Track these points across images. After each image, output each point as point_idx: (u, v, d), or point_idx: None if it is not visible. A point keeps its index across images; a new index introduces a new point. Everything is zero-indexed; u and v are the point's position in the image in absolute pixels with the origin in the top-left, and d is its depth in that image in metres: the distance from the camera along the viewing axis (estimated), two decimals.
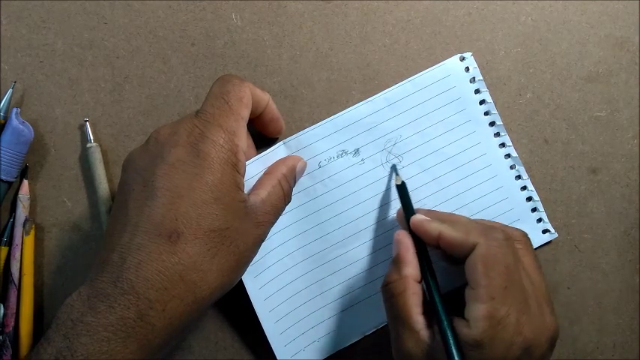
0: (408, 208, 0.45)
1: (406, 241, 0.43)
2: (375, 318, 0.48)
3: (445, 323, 0.38)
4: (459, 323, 0.38)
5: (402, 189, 0.46)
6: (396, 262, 0.43)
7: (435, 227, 0.42)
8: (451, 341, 0.37)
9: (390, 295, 0.41)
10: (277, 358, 0.47)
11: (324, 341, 0.48)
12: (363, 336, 0.48)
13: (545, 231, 0.50)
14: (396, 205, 0.48)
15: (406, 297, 0.40)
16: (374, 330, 0.49)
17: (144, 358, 0.35)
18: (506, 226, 0.44)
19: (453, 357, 0.36)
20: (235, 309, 0.48)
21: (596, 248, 0.50)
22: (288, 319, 0.47)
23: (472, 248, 0.39)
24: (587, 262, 0.50)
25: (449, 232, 0.41)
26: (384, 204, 0.48)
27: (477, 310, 0.37)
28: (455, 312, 0.39)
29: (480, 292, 0.38)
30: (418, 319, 0.40)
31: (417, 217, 0.43)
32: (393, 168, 0.48)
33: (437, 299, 0.40)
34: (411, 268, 0.42)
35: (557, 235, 0.50)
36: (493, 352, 0.36)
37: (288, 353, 0.47)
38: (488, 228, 0.41)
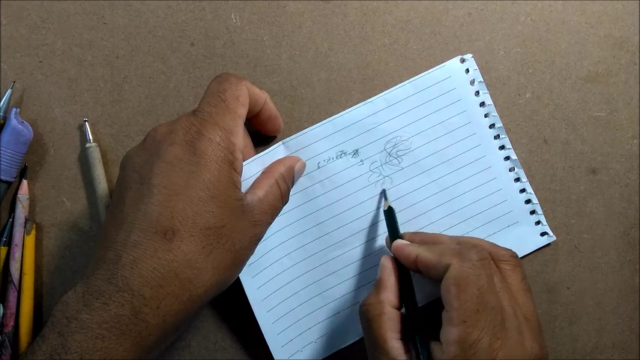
0: (394, 232, 0.45)
1: (389, 265, 0.43)
2: None
3: (421, 354, 0.38)
4: (434, 347, 0.38)
5: (390, 214, 0.46)
6: (376, 286, 0.42)
7: (411, 250, 0.41)
8: None
9: (366, 317, 0.41)
10: (275, 358, 0.47)
11: (321, 342, 0.48)
12: (360, 337, 0.48)
13: (543, 234, 0.49)
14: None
15: (381, 321, 0.40)
16: None
17: (138, 356, 0.35)
18: (494, 245, 0.43)
19: None
20: (234, 309, 0.48)
21: (595, 248, 0.50)
22: (285, 319, 0.47)
23: (446, 270, 0.38)
24: (587, 262, 0.50)
25: (424, 254, 0.40)
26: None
27: (449, 333, 0.36)
28: (436, 332, 0.38)
29: (452, 314, 0.37)
30: (394, 345, 0.39)
31: (397, 242, 0.43)
32: (383, 193, 0.48)
33: (414, 327, 0.40)
34: (389, 293, 0.41)
35: (555, 238, 0.49)
36: None
37: (286, 353, 0.47)
38: (464, 249, 0.39)
